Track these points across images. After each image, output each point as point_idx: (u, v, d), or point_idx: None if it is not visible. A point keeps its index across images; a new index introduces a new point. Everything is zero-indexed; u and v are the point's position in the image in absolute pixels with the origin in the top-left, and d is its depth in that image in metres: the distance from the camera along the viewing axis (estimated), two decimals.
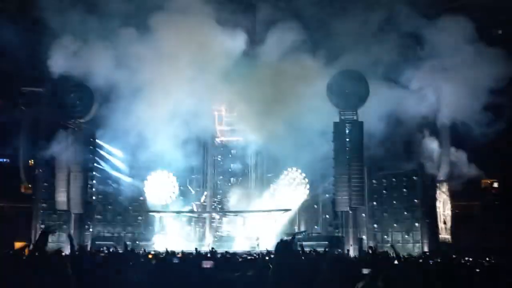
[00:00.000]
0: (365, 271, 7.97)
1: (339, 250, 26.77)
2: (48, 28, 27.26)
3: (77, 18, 28.34)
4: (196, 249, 17.08)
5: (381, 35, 27.34)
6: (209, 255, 14.43)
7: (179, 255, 13.98)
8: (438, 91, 27.90)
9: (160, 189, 33.13)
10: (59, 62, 27.92)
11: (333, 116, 29.15)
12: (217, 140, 33.94)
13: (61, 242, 26.44)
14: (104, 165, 32.78)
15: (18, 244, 29.06)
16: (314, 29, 28.69)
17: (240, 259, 13.91)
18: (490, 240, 27.29)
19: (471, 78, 26.06)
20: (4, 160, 35.54)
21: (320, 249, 20.05)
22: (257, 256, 16.21)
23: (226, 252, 18.99)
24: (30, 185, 33.16)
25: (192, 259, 11.82)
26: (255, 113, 30.57)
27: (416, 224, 29.99)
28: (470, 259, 18.44)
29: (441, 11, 27.71)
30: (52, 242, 30.52)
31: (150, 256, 14.81)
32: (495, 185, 31.51)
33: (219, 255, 15.13)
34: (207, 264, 8.12)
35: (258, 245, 29.06)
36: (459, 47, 26.44)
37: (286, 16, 29.37)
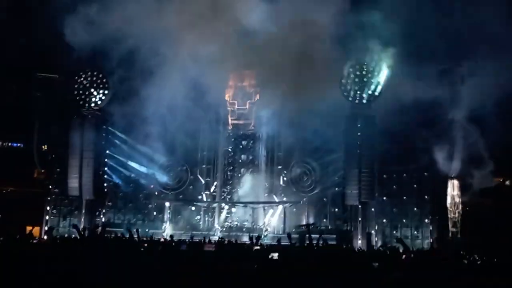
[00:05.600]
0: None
1: (348, 244, 26.79)
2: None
3: None
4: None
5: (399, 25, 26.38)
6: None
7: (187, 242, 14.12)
8: (455, 85, 27.51)
9: (170, 178, 33.38)
10: (74, 33, 27.53)
11: (346, 109, 28.95)
12: (229, 131, 33.98)
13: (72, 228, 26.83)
14: (116, 153, 33.03)
15: (30, 228, 29.55)
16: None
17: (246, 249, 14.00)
18: (500, 237, 27.09)
19: (493, 74, 25.33)
20: (18, 145, 35.96)
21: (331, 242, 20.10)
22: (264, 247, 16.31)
23: (230, 242, 19.08)
24: (43, 170, 33.56)
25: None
26: (270, 103, 30.58)
27: (426, 220, 29.90)
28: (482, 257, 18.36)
29: None
30: (63, 228, 31.27)
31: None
32: (507, 183, 31.22)
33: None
34: (209, 247, 8.29)
35: (266, 236, 29.17)
36: (487, 38, 25.43)
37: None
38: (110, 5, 27.57)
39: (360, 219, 28.90)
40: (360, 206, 28.86)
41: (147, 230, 29.61)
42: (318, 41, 26.37)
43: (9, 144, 36.01)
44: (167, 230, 30.53)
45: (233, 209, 33.13)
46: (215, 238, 26.84)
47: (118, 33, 27.48)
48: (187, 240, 21.73)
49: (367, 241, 28.59)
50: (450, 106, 27.86)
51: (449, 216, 30.18)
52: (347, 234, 29.07)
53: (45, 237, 22.54)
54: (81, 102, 31.14)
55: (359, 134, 28.60)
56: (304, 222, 31.98)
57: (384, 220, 30.83)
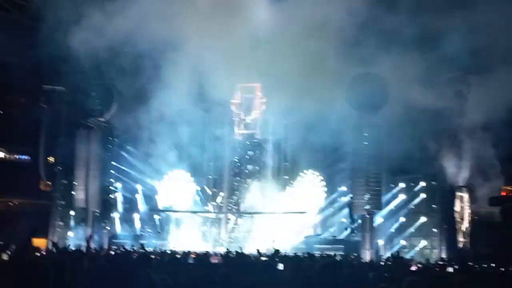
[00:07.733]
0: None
1: (355, 254, 26.51)
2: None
3: None
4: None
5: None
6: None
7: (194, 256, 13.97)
8: (465, 93, 27.27)
9: (176, 189, 33.30)
10: (80, 44, 27.28)
11: (353, 117, 28.74)
12: (235, 141, 33.92)
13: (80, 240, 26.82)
14: (122, 164, 33.02)
15: (36, 241, 29.48)
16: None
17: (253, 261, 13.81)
18: (510, 247, 26.75)
19: (501, 80, 25.02)
20: (24, 157, 36.03)
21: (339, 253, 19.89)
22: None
23: (237, 252, 18.83)
24: (49, 182, 33.55)
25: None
26: (277, 113, 30.53)
27: (434, 230, 29.59)
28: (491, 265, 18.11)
29: None
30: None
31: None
32: None
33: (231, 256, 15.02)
34: (215, 259, 8.16)
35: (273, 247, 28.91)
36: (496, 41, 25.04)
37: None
38: (113, 17, 27.67)
39: (368, 229, 28.61)
40: (367, 216, 28.60)
41: (153, 241, 29.50)
42: (325, 50, 26.26)
43: (16, 156, 36.10)
44: (173, 242, 30.39)
45: (240, 220, 33.00)
46: (222, 249, 26.65)
47: (124, 45, 27.58)
48: (192, 252, 21.58)
49: (375, 251, 28.30)
50: (459, 114, 27.62)
51: (457, 225, 29.87)
52: (354, 245, 28.79)
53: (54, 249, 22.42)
54: (87, 114, 31.17)
55: (366, 143, 28.35)
56: (311, 233, 31.80)
57: (392, 230, 30.59)
